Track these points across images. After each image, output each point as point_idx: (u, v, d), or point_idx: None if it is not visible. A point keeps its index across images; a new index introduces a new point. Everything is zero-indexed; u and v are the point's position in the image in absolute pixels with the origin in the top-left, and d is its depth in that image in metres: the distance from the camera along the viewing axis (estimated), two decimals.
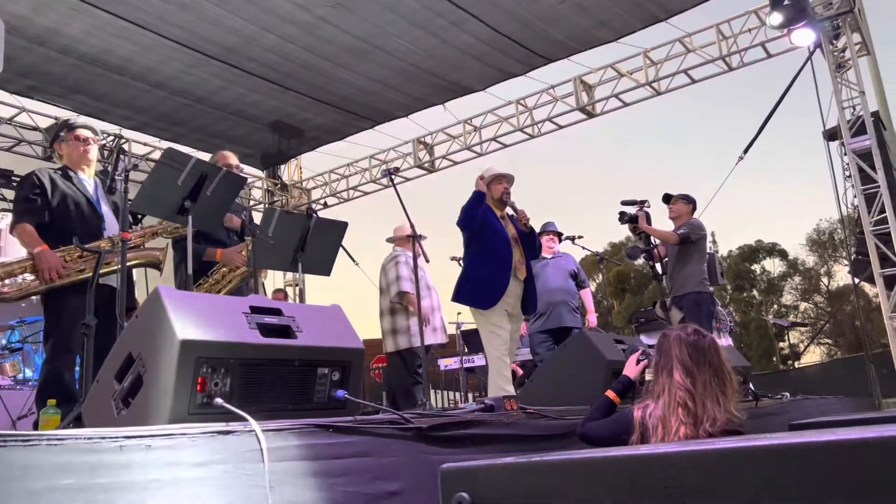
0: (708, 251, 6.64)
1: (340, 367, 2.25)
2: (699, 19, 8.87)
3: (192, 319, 1.96)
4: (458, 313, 7.97)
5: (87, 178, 3.77)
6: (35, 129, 9.18)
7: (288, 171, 12.24)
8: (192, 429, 1.69)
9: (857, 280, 8.02)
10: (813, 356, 33.37)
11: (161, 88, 8.83)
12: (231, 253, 4.00)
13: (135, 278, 4.00)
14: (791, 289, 37.99)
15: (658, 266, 6.04)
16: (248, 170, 11.66)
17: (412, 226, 4.58)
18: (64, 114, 8.95)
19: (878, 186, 7.07)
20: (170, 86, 8.79)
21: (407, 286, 5.70)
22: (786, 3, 7.18)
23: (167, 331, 1.91)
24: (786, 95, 8.12)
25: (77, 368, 3.48)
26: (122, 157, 3.32)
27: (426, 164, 11.21)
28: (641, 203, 6.13)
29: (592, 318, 7.02)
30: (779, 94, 8.18)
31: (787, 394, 5.73)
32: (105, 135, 8.32)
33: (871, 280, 7.33)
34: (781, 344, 31.76)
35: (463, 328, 8.12)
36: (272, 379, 2.10)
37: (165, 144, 9.68)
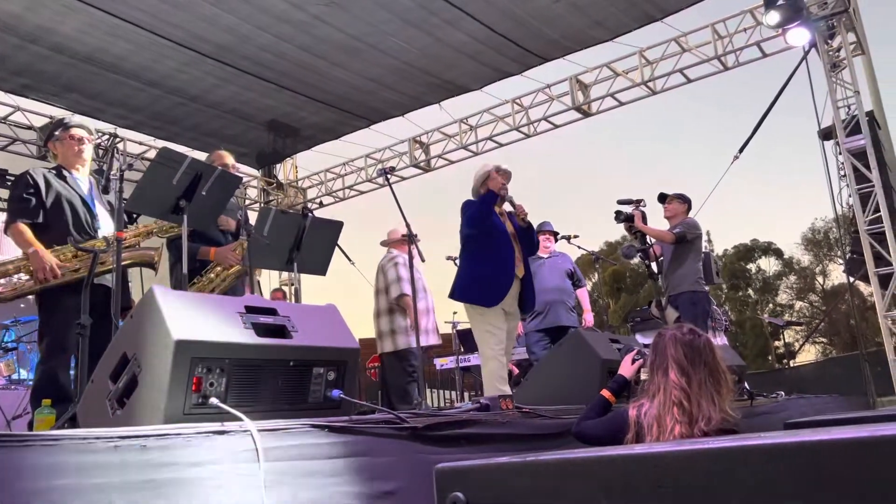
0: (703, 250, 6.66)
1: (336, 366, 2.25)
2: (694, 19, 8.89)
3: (187, 319, 1.95)
4: (454, 312, 7.99)
5: (82, 178, 3.75)
6: (30, 127, 9.16)
7: (283, 171, 12.22)
8: (187, 429, 1.69)
9: (851, 279, 8.04)
10: (808, 355, 33.47)
11: (155, 87, 8.80)
12: (225, 252, 3.99)
13: (129, 278, 3.99)
14: (786, 288, 38.11)
15: (654, 265, 6.05)
16: (244, 169, 11.64)
17: (408, 225, 4.57)
18: (58, 112, 8.91)
19: (873, 186, 7.09)
20: (164, 84, 8.76)
21: (406, 288, 5.73)
22: (781, 2, 7.19)
23: (162, 331, 1.90)
24: (781, 95, 8.15)
25: (72, 368, 3.47)
26: (116, 156, 3.31)
27: (422, 164, 11.20)
28: (637, 202, 6.15)
29: (589, 318, 7.04)
30: (774, 94, 8.21)
31: (783, 393, 5.75)
32: (100, 134, 8.28)
33: (865, 279, 7.35)
34: (777, 343, 31.86)
35: (458, 328, 8.13)
36: (267, 379, 2.09)
37: (160, 143, 9.67)
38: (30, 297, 3.59)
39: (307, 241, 3.98)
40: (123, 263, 3.32)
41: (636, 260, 6.30)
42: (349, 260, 5.52)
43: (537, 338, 6.48)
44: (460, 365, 8.38)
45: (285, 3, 7.34)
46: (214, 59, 8.27)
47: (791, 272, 37.95)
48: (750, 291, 37.72)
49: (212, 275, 3.92)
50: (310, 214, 4.01)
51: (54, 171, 3.70)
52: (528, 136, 10.42)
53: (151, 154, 9.42)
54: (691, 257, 6.10)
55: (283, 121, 10.16)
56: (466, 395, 8.86)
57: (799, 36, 7.46)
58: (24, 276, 3.44)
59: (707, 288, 6.46)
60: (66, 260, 3.41)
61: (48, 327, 3.44)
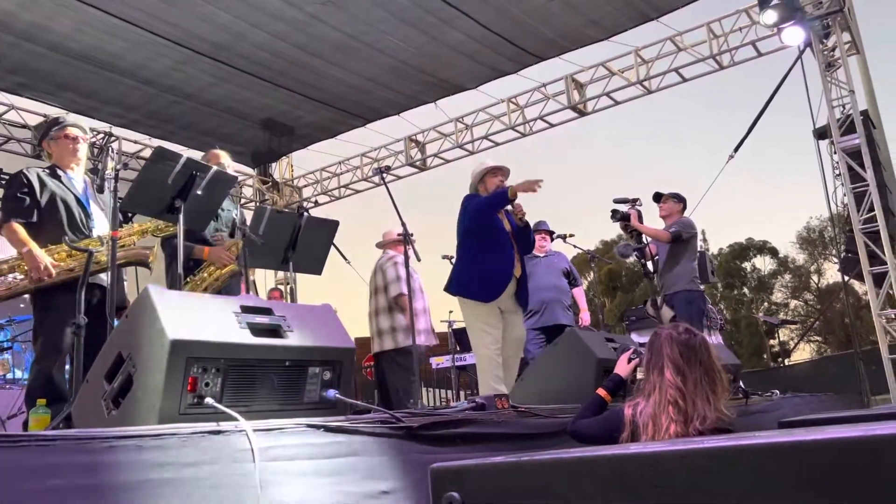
0: (698, 249, 6.68)
1: (331, 366, 2.25)
2: (690, 18, 8.90)
3: (182, 319, 1.95)
4: (451, 311, 7.98)
5: (77, 177, 3.74)
6: (24, 126, 9.12)
7: (279, 169, 12.20)
8: (182, 429, 1.69)
9: (846, 278, 8.07)
10: (803, 353, 33.60)
11: (151, 85, 8.77)
12: (218, 251, 3.99)
13: (125, 277, 3.98)
14: (781, 286, 38.21)
15: (649, 264, 6.06)
16: (239, 168, 11.62)
17: (403, 225, 4.57)
18: (53, 111, 8.88)
19: (868, 185, 7.12)
20: (159, 83, 8.74)
21: (404, 287, 5.75)
22: (777, 2, 7.21)
23: (157, 330, 1.90)
24: (776, 94, 8.16)
25: (67, 368, 3.47)
26: (111, 155, 3.30)
27: (418, 163, 11.20)
28: (633, 201, 6.16)
29: (585, 317, 7.05)
30: (769, 93, 8.23)
31: (777, 391, 5.76)
32: (95, 132, 8.25)
33: (860, 278, 7.38)
34: (772, 341, 31.94)
35: (454, 327, 8.13)
36: (263, 379, 2.09)
37: (156, 142, 9.66)
38: (25, 296, 3.59)
39: (302, 241, 3.98)
40: (118, 263, 3.32)
41: (632, 259, 6.30)
42: (345, 259, 5.53)
43: (533, 335, 6.49)
44: (456, 364, 8.38)
45: (281, 2, 7.33)
46: (210, 58, 8.25)
47: (786, 271, 38.05)
48: (745, 290, 37.82)
49: (204, 274, 3.92)
50: (305, 214, 4.01)
51: (49, 171, 3.69)
52: (523, 135, 10.43)
53: (147, 153, 9.41)
54: (687, 256, 6.12)
55: (278, 119, 10.15)
56: (462, 394, 8.86)
57: (794, 35, 7.48)
58: (18, 276, 3.44)
59: (702, 287, 6.48)
60: (61, 259, 3.40)
61: (43, 327, 3.43)
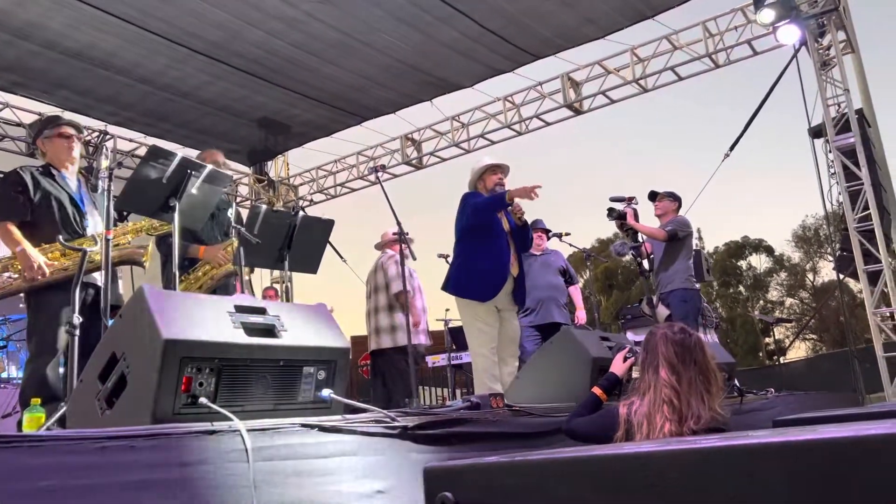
0: (694, 248, 6.69)
1: (326, 365, 2.25)
2: (685, 17, 8.92)
3: (176, 319, 1.94)
4: (447, 310, 7.98)
5: (71, 176, 3.73)
6: (19, 124, 9.09)
7: (275, 168, 12.19)
8: (176, 429, 1.68)
9: (841, 276, 8.09)
10: (798, 351, 33.67)
11: (146, 83, 8.75)
12: (214, 250, 3.98)
13: (120, 276, 3.97)
14: (777, 284, 38.30)
15: (645, 262, 6.08)
16: (235, 166, 11.60)
17: (399, 224, 4.57)
18: (48, 109, 8.86)
19: (862, 184, 7.13)
20: (155, 81, 8.72)
21: (407, 285, 5.81)
22: (771, 0, 7.22)
23: (151, 330, 1.89)
24: (771, 93, 8.18)
25: (62, 367, 3.46)
26: (105, 153, 3.29)
27: (414, 161, 11.20)
28: (629, 199, 6.17)
29: (581, 315, 7.05)
30: (765, 92, 8.24)
31: (773, 390, 5.78)
32: (90, 131, 8.23)
33: (855, 276, 7.40)
34: (767, 339, 32.02)
35: (450, 325, 8.13)
36: (257, 378, 2.09)
37: (151, 140, 9.64)
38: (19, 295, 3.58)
39: (298, 240, 3.97)
40: (113, 262, 3.31)
41: (628, 257, 6.32)
42: (341, 257, 5.54)
43: (528, 333, 6.49)
44: (452, 363, 8.39)
45: (277, 0, 7.32)
46: (206, 56, 8.23)
47: (782, 269, 38.13)
48: (741, 288, 37.89)
49: (199, 273, 3.92)
50: (300, 213, 4.00)
51: (42, 170, 3.68)
52: (519, 133, 10.43)
53: (142, 151, 9.38)
54: (682, 255, 6.13)
55: (274, 118, 10.13)
56: (458, 392, 8.86)
57: (789, 34, 7.49)
58: (12, 275, 3.43)
59: (698, 285, 6.49)
60: (55, 258, 3.40)
61: (37, 326, 3.42)
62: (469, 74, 9.28)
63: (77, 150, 3.79)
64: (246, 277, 3.83)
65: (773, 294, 38.04)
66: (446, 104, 10.23)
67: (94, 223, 3.63)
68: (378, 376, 6.42)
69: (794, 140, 50.11)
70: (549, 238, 6.92)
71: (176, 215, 3.35)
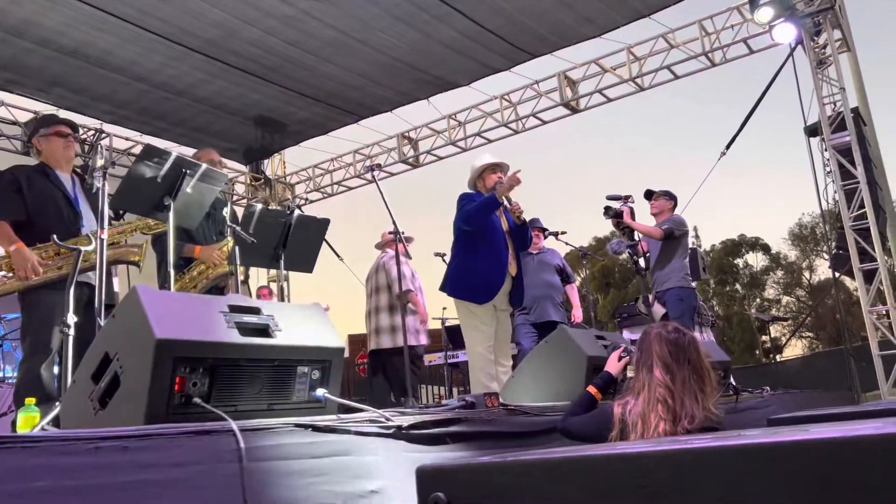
0: (691, 246, 6.70)
1: (320, 365, 2.25)
2: (682, 16, 8.91)
3: (169, 319, 1.94)
4: (444, 308, 7.99)
5: (65, 175, 3.73)
6: (14, 123, 9.07)
7: (271, 166, 12.17)
8: (169, 429, 1.68)
9: (837, 274, 8.10)
10: (795, 349, 33.76)
11: (142, 82, 8.72)
12: (209, 250, 3.98)
13: (116, 275, 3.96)
14: (773, 283, 38.36)
15: (641, 261, 6.09)
16: (231, 165, 11.58)
17: (394, 223, 4.57)
18: (43, 108, 8.84)
19: (858, 182, 7.14)
20: (151, 79, 8.69)
21: (410, 284, 5.92)
22: (764, 1, 7.24)
23: (144, 330, 1.89)
24: (768, 91, 8.19)
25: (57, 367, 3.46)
26: (100, 152, 3.29)
27: (410, 159, 11.19)
28: (626, 198, 6.18)
29: (578, 313, 7.07)
30: (761, 90, 8.25)
31: (768, 388, 5.79)
32: (85, 129, 8.21)
33: (850, 274, 7.41)
34: (764, 337, 32.06)
35: (447, 324, 8.14)
36: (251, 378, 2.09)
37: (147, 139, 9.62)
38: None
39: (293, 239, 3.98)
40: (107, 261, 3.30)
41: (625, 255, 6.33)
42: (338, 256, 5.54)
43: (526, 330, 6.50)
44: (448, 361, 8.40)
45: None
46: (202, 54, 8.22)
47: (778, 267, 38.19)
48: (738, 286, 37.95)
49: (194, 273, 3.91)
50: (295, 212, 4.00)
51: (37, 169, 3.67)
52: (516, 132, 10.43)
53: (138, 150, 9.35)
54: (678, 254, 6.14)
55: (270, 116, 10.11)
56: (455, 390, 8.88)
57: (785, 32, 7.50)
58: (7, 275, 3.42)
59: (694, 284, 6.51)
60: (49, 258, 3.39)
61: (31, 325, 3.42)
62: (466, 73, 9.27)
63: (73, 149, 3.79)
64: (241, 277, 3.82)
65: (770, 292, 38.13)
66: (443, 103, 10.23)
67: (89, 222, 3.62)
68: (377, 376, 6.45)
69: (790, 138, 50.24)
70: (545, 237, 6.93)
71: (171, 214, 3.34)
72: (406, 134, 11.13)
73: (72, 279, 2.89)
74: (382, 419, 2.21)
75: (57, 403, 2.60)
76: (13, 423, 3.24)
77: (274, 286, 10.82)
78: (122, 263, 3.67)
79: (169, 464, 1.62)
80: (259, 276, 10.82)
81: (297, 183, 12.34)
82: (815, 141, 7.57)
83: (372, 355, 6.49)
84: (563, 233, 7.05)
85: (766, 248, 37.91)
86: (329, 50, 8.37)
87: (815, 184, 7.44)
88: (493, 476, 1.46)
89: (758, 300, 37.28)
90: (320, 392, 2.23)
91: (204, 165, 3.56)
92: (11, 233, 3.42)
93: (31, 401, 2.83)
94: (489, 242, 4.48)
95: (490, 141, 10.64)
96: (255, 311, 2.19)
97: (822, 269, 35.03)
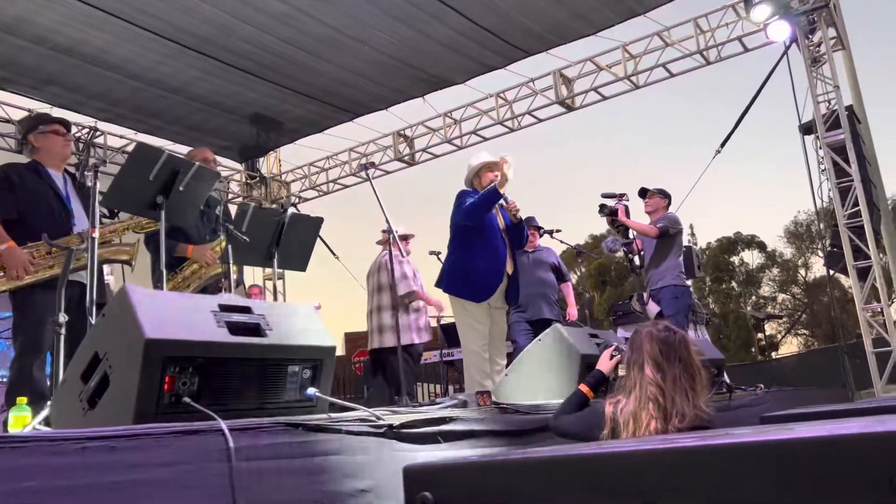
0: (686, 244, 6.70)
1: (311, 364, 2.25)
2: (677, 13, 8.93)
3: (159, 318, 1.93)
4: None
5: (57, 174, 3.72)
6: (7, 121, 9.03)
7: (267, 164, 12.15)
8: (157, 429, 1.67)
9: (831, 272, 8.12)
10: (791, 347, 33.84)
11: (137, 80, 8.70)
12: (203, 249, 3.97)
13: (111, 275, 3.95)
14: (769, 280, 38.43)
15: (636, 259, 6.10)
16: (226, 163, 11.56)
17: (388, 221, 4.57)
18: (36, 106, 8.82)
19: (852, 180, 7.15)
20: (146, 77, 8.67)
21: (413, 285, 6.16)
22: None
23: (133, 330, 1.88)
24: (762, 89, 8.20)
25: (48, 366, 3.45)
26: (92, 151, 3.28)
27: (406, 157, 11.18)
28: (620, 196, 6.19)
29: (573, 312, 7.07)
30: (756, 88, 8.26)
31: (762, 385, 5.80)
32: (79, 127, 8.19)
33: (845, 272, 7.42)
34: (759, 335, 32.12)
35: (442, 322, 8.14)
36: (241, 377, 2.08)
37: (142, 137, 9.59)
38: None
39: (286, 237, 3.97)
40: (99, 260, 3.30)
41: (620, 253, 6.34)
42: (333, 254, 5.54)
43: (523, 328, 6.51)
44: (444, 359, 8.40)
45: None
46: (197, 52, 8.19)
47: (774, 265, 38.27)
48: (733, 284, 38.01)
49: (187, 272, 3.90)
50: (289, 210, 4.00)
51: (29, 167, 3.66)
52: (511, 130, 10.43)
53: (133, 148, 9.32)
54: (673, 252, 6.15)
55: (266, 114, 10.09)
56: (451, 388, 8.88)
57: (779, 30, 7.50)
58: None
59: (689, 282, 6.51)
60: (41, 257, 3.38)
61: (22, 325, 3.41)
62: (461, 71, 9.26)
63: (70, 147, 3.80)
64: (234, 277, 3.82)
65: (766, 290, 38.21)
66: (438, 101, 10.23)
67: (81, 221, 3.61)
68: (378, 374, 6.50)
69: (786, 136, 50.25)
70: (541, 235, 6.93)
71: (163, 213, 3.33)
72: (401, 132, 11.12)
73: (63, 278, 2.88)
74: (373, 418, 2.20)
75: (49, 403, 2.59)
76: (4, 423, 3.23)
77: (269, 284, 10.82)
78: (114, 262, 3.66)
79: (157, 464, 1.62)
80: (255, 274, 10.80)
81: (293, 181, 12.32)
82: (809, 139, 7.58)
83: (373, 354, 6.53)
84: (557, 231, 7.05)
85: (761, 246, 37.98)
86: (324, 47, 8.36)
87: (810, 181, 7.46)
88: (480, 475, 1.46)
89: (753, 298, 37.36)
90: (311, 391, 2.23)
91: (196, 164, 3.55)
92: (2, 231, 3.40)
93: (22, 400, 2.82)
94: (487, 240, 4.48)
95: (485, 139, 10.64)
96: (246, 310, 2.18)
97: (818, 267, 35.11)
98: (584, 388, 2.89)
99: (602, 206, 6.19)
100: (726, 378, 5.11)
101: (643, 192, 6.40)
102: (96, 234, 3.03)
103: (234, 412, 2.01)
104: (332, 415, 2.20)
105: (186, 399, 1.92)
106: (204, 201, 3.85)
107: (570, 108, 9.92)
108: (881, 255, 7.60)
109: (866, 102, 8.05)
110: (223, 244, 3.86)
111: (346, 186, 11.93)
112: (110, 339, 1.99)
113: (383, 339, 6.20)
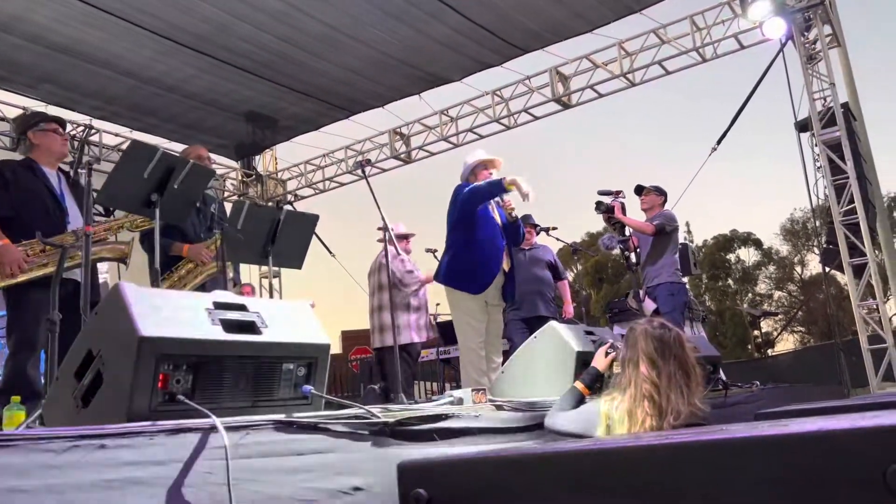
0: (682, 241, 6.71)
1: (306, 362, 2.24)
2: (673, 11, 8.94)
3: (152, 315, 1.92)
4: (437, 304, 7.98)
5: (52, 172, 3.71)
6: (2, 119, 9.01)
7: (263, 162, 12.13)
8: (150, 427, 1.67)
9: (827, 269, 8.13)
10: (787, 344, 33.93)
11: (132, 77, 8.68)
12: (198, 248, 3.96)
13: (107, 273, 3.94)
14: (765, 277, 38.51)
15: (633, 256, 6.10)
16: (222, 161, 11.54)
17: (383, 218, 4.57)
18: (32, 104, 8.79)
19: (848, 177, 7.17)
20: (141, 74, 8.65)
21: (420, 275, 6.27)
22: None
23: (127, 327, 1.87)
24: (758, 87, 8.21)
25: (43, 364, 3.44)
26: (87, 149, 3.27)
27: (402, 155, 11.17)
28: (617, 193, 6.20)
29: (569, 309, 7.08)
30: (752, 86, 8.27)
31: (758, 382, 5.81)
32: (75, 125, 8.17)
33: (841, 269, 7.44)
34: (755, 332, 32.22)
35: (439, 320, 8.14)
36: (236, 375, 2.07)
37: (137, 135, 9.56)
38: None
39: (282, 235, 3.97)
40: (94, 258, 3.29)
41: (617, 251, 6.35)
42: (329, 252, 5.53)
43: (519, 326, 6.51)
44: (441, 357, 8.41)
45: None
46: (192, 49, 8.18)
47: (770, 262, 38.34)
48: (730, 281, 38.08)
49: (183, 271, 3.89)
50: (284, 207, 4.00)
51: (24, 164, 3.65)
52: (508, 127, 10.42)
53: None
54: (669, 249, 6.16)
55: (261, 112, 10.08)
56: (448, 386, 8.89)
57: (775, 27, 7.51)
58: None
59: (685, 279, 6.52)
60: (34, 255, 3.37)
61: (16, 323, 3.40)
62: (457, 68, 9.26)
63: (67, 146, 3.80)
64: (231, 274, 3.81)
65: (762, 287, 38.29)
66: (435, 98, 10.22)
67: (75, 219, 3.60)
68: (378, 374, 6.55)
69: (781, 133, 50.27)
70: (537, 233, 6.94)
71: (157, 211, 3.33)
72: (398, 130, 11.11)
73: (57, 276, 2.87)
74: (369, 416, 2.20)
75: (43, 401, 2.59)
76: None
77: (265, 282, 10.80)
78: (109, 260, 3.65)
79: (149, 462, 1.61)
80: (251, 272, 10.79)
81: (289, 179, 12.31)
82: (805, 136, 7.59)
83: (377, 353, 6.58)
84: (554, 228, 7.06)
85: (758, 243, 38.06)
86: (320, 46, 8.35)
87: (806, 179, 7.47)
88: (474, 472, 1.45)
89: (750, 295, 37.43)
90: (306, 388, 2.23)
91: (191, 162, 3.54)
92: None
93: (16, 399, 2.82)
94: (485, 234, 4.49)
95: (482, 136, 10.64)
96: (241, 307, 2.17)
97: (814, 264, 35.17)
98: (579, 385, 2.89)
99: (598, 204, 6.20)
100: (722, 375, 5.11)
101: (639, 190, 6.41)
102: (91, 231, 3.01)
103: (229, 410, 2.01)
104: (327, 412, 2.20)
105: (180, 397, 1.91)
106: (199, 199, 3.84)
107: (566, 106, 9.92)
108: (877, 252, 7.62)
109: (862, 99, 8.07)
110: (218, 242, 3.86)
111: (342, 184, 11.91)
112: (104, 336, 1.98)
113: (384, 338, 6.23)
